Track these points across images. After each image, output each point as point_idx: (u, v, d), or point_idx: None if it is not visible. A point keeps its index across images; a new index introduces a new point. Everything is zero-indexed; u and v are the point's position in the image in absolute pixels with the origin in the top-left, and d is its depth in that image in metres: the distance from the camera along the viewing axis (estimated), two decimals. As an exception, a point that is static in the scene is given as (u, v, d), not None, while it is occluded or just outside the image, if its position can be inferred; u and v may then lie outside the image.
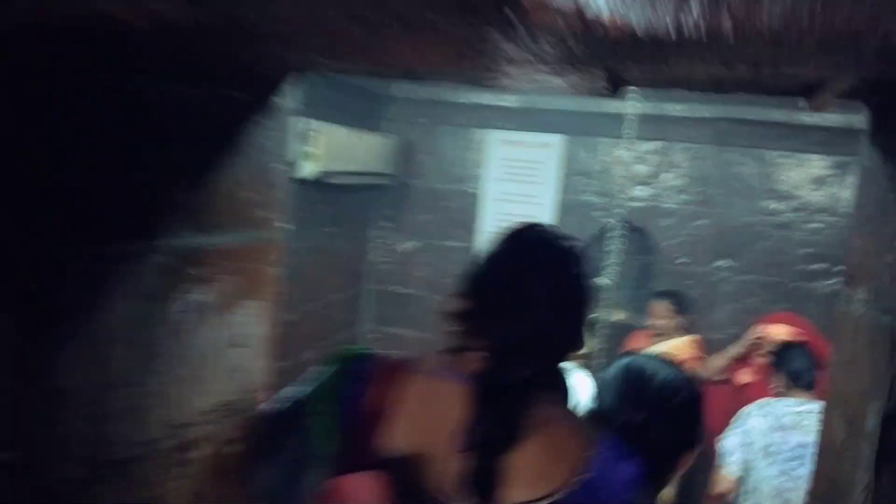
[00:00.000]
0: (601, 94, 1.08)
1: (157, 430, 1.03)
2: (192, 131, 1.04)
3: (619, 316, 4.06)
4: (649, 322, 3.76)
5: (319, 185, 3.63)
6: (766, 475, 2.74)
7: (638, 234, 4.20)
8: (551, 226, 1.15)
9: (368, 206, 4.64)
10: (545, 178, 4.39)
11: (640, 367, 1.25)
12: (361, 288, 4.72)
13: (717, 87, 0.96)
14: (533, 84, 1.04)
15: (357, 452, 1.05)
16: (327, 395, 1.08)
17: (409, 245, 4.67)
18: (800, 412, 2.79)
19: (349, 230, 4.38)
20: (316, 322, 4.08)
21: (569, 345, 1.08)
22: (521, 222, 1.12)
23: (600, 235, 4.28)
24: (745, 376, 3.50)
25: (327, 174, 3.54)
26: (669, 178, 4.19)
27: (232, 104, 1.13)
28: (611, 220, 4.22)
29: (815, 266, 3.93)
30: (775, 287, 4.00)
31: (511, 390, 1.00)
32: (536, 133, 4.37)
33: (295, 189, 3.55)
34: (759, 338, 3.45)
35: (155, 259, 0.98)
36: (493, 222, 4.48)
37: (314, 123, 3.37)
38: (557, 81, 0.97)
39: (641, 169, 4.19)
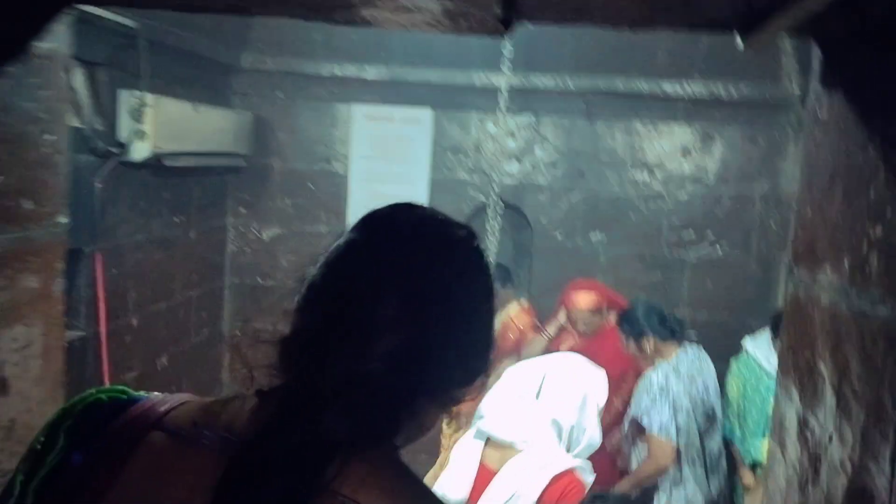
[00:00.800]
0: (488, 31, 0.82)
1: None
2: None
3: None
4: None
5: (158, 169, 3.16)
6: (694, 428, 2.92)
7: (512, 211, 4.06)
8: (429, 207, 0.80)
9: (223, 191, 4.18)
10: (416, 156, 4.14)
11: None
12: (222, 282, 4.27)
13: (643, 22, 0.74)
14: (401, 17, 0.76)
15: None
16: (31, 468, 0.72)
17: (271, 233, 4.26)
18: (694, 360, 3.02)
19: (202, 219, 3.91)
20: (168, 323, 3.61)
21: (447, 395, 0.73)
22: (391, 204, 0.79)
23: (474, 214, 4.12)
24: (565, 345, 3.49)
25: (165, 155, 3.08)
26: (541, 153, 4.08)
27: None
28: (484, 197, 4.07)
29: (685, 234, 3.98)
30: (648, 257, 4.01)
31: (317, 451, 0.64)
32: (404, 107, 4.10)
33: (129, 174, 3.07)
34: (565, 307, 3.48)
35: None
36: (362, 204, 4.17)
37: (148, 97, 2.90)
38: (434, 7, 0.71)
39: (513, 144, 4.04)
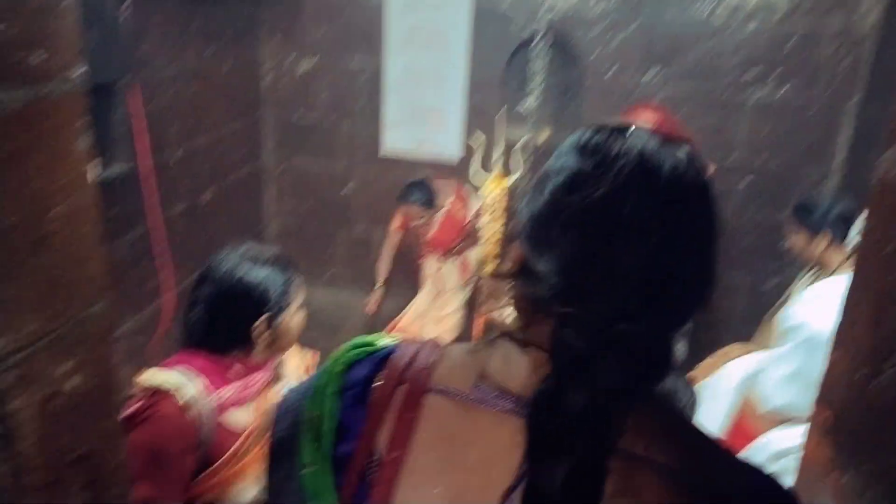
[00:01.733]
0: None
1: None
2: None
3: (544, 136, 3.78)
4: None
5: (187, -4, 2.99)
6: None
7: (562, 46, 3.79)
8: (651, 132, 0.67)
9: (254, 21, 3.98)
10: (459, -19, 3.82)
11: None
12: (259, 116, 4.20)
13: None
14: None
15: None
16: (316, 435, 0.73)
17: (306, 64, 4.10)
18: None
19: (235, 50, 3.76)
20: (209, 159, 3.61)
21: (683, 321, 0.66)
22: (606, 125, 0.68)
23: (521, 50, 3.87)
24: None
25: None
26: (597, -21, 3.71)
27: None
28: (531, 32, 3.79)
29: (747, 75, 3.70)
30: (706, 97, 3.77)
31: (602, 410, 0.59)
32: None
33: (159, 4, 2.91)
34: None
35: None
36: (400, 35, 3.94)
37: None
38: None
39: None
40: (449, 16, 3.87)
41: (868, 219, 0.75)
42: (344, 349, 0.78)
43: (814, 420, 0.87)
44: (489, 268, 3.32)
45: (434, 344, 0.76)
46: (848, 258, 2.39)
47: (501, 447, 0.64)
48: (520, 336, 0.69)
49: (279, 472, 0.76)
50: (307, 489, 0.72)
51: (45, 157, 0.85)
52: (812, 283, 2.51)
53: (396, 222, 3.90)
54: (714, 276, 0.65)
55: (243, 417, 1.51)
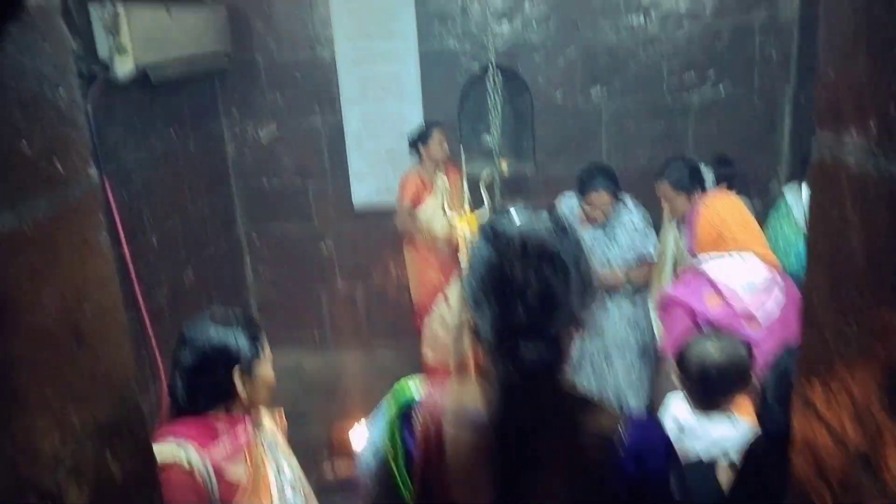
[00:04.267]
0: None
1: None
2: None
3: (504, 167, 3.90)
4: None
5: (145, 83, 3.07)
6: None
7: (507, 74, 3.94)
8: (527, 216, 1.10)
9: (213, 96, 4.07)
10: (402, 29, 3.97)
11: None
12: (229, 188, 4.26)
13: None
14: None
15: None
16: (392, 451, 1.16)
17: (267, 131, 4.19)
18: None
19: (198, 127, 3.83)
20: (187, 236, 3.65)
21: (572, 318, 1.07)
22: (500, 215, 1.11)
23: (470, 85, 4.01)
24: None
25: (149, 67, 2.97)
26: (531, 8, 3.89)
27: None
28: (478, 65, 3.95)
29: (687, 77, 3.88)
30: (651, 105, 3.94)
31: (534, 386, 1.06)
32: (383, -23, 3.88)
33: (118, 93, 2.98)
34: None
35: None
36: (355, 90, 4.06)
37: (120, 7, 2.75)
38: None
39: (500, 2, 3.86)
40: (398, 62, 4.00)
41: (812, 196, 0.84)
42: (395, 400, 1.20)
43: (797, 393, 0.95)
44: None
45: (442, 384, 1.18)
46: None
47: (484, 455, 1.08)
48: (480, 371, 1.11)
49: (382, 489, 1.17)
50: (402, 494, 1.15)
51: (75, 255, 0.91)
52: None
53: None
54: (572, 301, 1.04)
55: (239, 470, 1.60)
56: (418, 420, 1.14)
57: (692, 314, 2.27)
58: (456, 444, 1.10)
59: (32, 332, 0.84)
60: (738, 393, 1.85)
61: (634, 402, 3.23)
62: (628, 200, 3.31)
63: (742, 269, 2.29)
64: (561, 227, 1.07)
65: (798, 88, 3.79)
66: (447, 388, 1.16)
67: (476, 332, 1.07)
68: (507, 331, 1.02)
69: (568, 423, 1.08)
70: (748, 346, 1.88)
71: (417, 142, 3.72)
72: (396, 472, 1.15)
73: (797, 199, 2.93)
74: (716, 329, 2.10)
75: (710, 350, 1.87)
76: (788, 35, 3.76)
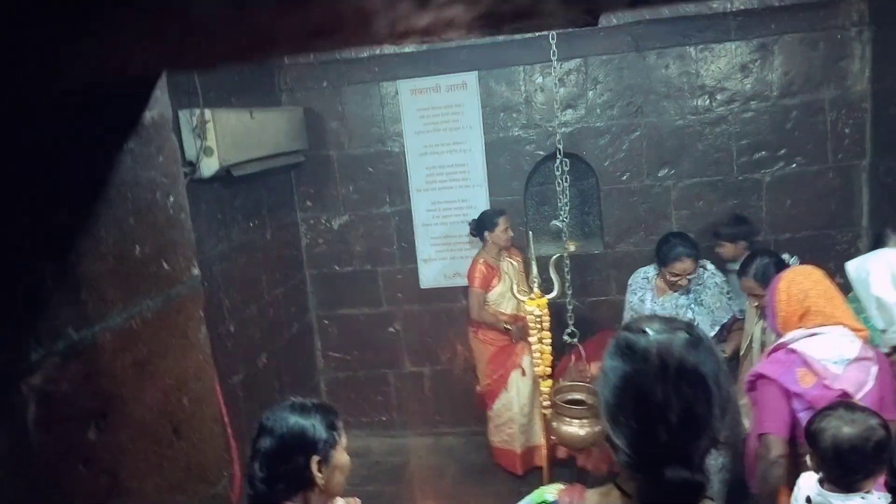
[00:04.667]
0: (578, 24, 0.82)
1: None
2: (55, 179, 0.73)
3: (571, 248, 3.91)
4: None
5: (227, 180, 3.26)
6: None
7: (573, 159, 4.01)
8: (663, 327, 1.04)
9: (289, 189, 4.28)
10: (468, 121, 4.12)
11: None
12: (303, 275, 4.40)
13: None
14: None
15: None
16: None
17: (340, 221, 4.35)
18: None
19: (274, 218, 4.02)
20: (262, 322, 3.77)
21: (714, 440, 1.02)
22: (632, 328, 1.06)
23: (534, 170, 4.09)
24: None
25: (232, 166, 3.17)
26: (595, 96, 3.99)
27: (94, 132, 0.82)
28: (542, 151, 4.03)
29: (757, 156, 3.85)
30: (721, 185, 3.91)
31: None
32: (449, 74, 4.07)
33: (202, 189, 3.18)
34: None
35: (31, 382, 0.69)
36: (423, 179, 4.20)
37: (207, 113, 2.98)
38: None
39: (564, 92, 3.97)
40: (465, 151, 4.14)
41: None
42: (532, 502, 1.19)
43: None
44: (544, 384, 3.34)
45: (580, 491, 1.16)
46: None
47: None
48: (620, 485, 1.06)
49: None
50: None
51: (178, 350, 0.96)
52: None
53: None
54: (714, 422, 0.99)
55: None
56: None
57: (786, 394, 2.16)
58: None
59: (136, 425, 0.89)
60: (878, 472, 1.72)
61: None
62: (709, 265, 3.30)
63: (834, 344, 2.18)
64: (700, 342, 1.01)
65: (875, 161, 3.70)
66: (588, 496, 1.14)
67: (614, 448, 1.03)
68: (647, 451, 0.99)
69: None
70: (884, 422, 1.76)
71: (484, 229, 3.77)
72: None
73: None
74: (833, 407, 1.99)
75: (844, 426, 1.75)
76: (861, 109, 3.71)
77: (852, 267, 2.62)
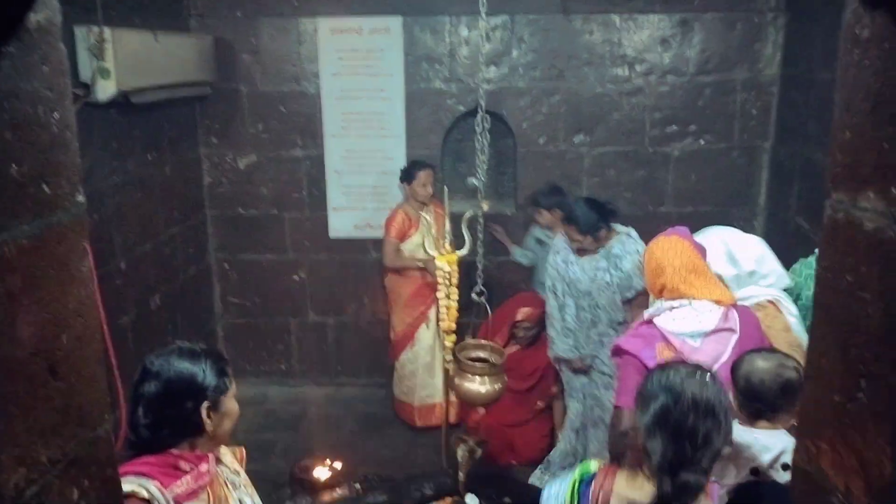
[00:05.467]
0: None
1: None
2: None
3: (485, 207, 3.90)
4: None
5: (125, 107, 3.02)
6: None
7: (493, 118, 3.98)
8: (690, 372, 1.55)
9: (192, 123, 4.03)
10: (389, 68, 3.99)
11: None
12: (203, 215, 4.19)
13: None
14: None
15: None
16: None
17: (246, 161, 4.15)
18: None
19: (175, 152, 3.78)
20: (157, 262, 3.57)
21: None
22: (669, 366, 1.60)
23: (454, 126, 4.04)
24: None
25: (132, 92, 2.93)
26: (519, 55, 3.96)
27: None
28: (463, 107, 3.98)
29: (669, 129, 3.96)
30: (633, 155, 4.00)
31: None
32: (373, 17, 3.92)
33: (97, 114, 2.93)
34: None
35: None
36: (338, 125, 4.06)
37: (107, 32, 2.72)
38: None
39: (490, 48, 3.91)
40: (384, 99, 4.02)
41: (823, 255, 0.84)
42: (580, 469, 1.67)
43: (796, 452, 0.93)
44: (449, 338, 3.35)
45: (614, 471, 1.61)
46: None
47: None
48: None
49: None
50: None
51: (56, 283, 0.86)
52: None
53: None
54: (721, 439, 1.47)
55: None
56: (593, 487, 1.59)
57: (645, 369, 2.24)
58: None
59: (5, 361, 0.79)
60: (785, 411, 1.87)
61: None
62: (633, 232, 3.30)
63: (692, 318, 2.27)
64: (717, 386, 1.50)
65: (776, 144, 3.89)
66: (619, 475, 1.58)
67: (646, 453, 1.48)
68: (672, 460, 1.45)
69: None
70: (798, 366, 1.87)
71: (403, 180, 3.72)
72: None
73: None
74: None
75: (760, 360, 1.90)
76: (769, 93, 3.87)
77: None
